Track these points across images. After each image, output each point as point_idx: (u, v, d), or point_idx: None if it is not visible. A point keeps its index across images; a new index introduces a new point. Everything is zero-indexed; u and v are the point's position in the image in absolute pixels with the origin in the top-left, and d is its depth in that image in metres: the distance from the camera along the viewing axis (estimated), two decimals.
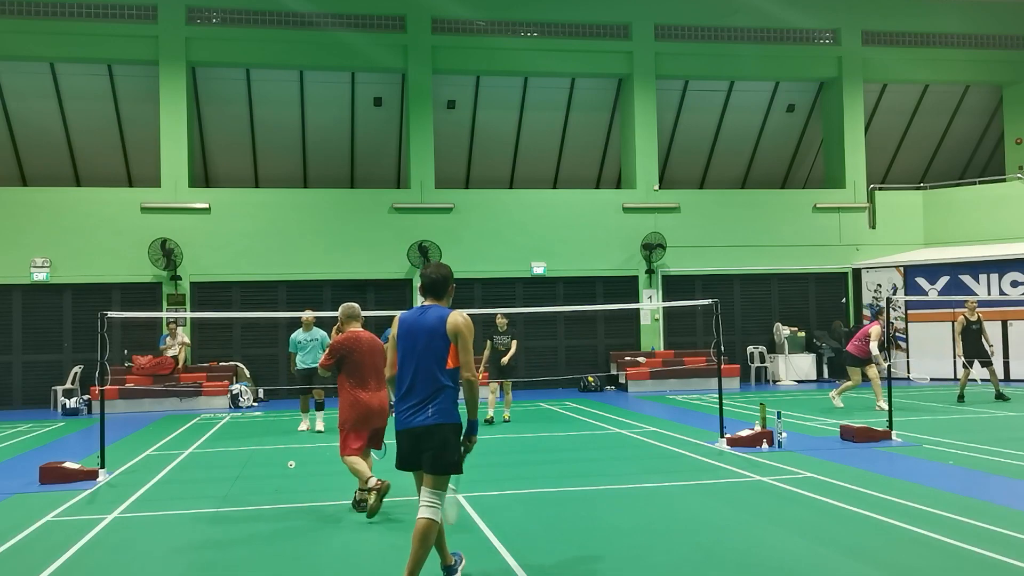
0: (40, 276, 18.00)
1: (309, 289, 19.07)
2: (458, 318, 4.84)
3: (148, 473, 9.24)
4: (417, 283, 19.17)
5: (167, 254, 17.90)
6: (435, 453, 4.72)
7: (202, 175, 20.89)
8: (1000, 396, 14.79)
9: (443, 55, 19.94)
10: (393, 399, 4.97)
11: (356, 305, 7.77)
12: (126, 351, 17.94)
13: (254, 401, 17.53)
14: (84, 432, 13.36)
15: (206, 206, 18.75)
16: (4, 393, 17.99)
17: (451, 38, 20.02)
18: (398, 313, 5.08)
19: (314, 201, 19.44)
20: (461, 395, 4.90)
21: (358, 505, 7.08)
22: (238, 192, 19.43)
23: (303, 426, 12.98)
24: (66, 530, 6.63)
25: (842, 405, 14.35)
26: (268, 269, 18.91)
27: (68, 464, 8.86)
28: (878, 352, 13.71)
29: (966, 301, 14.98)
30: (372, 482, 6.82)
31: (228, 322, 18.67)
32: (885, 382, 15.29)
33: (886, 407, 13.68)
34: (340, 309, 7.66)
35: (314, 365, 12.65)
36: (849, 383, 14.00)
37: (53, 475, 8.64)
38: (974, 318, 14.78)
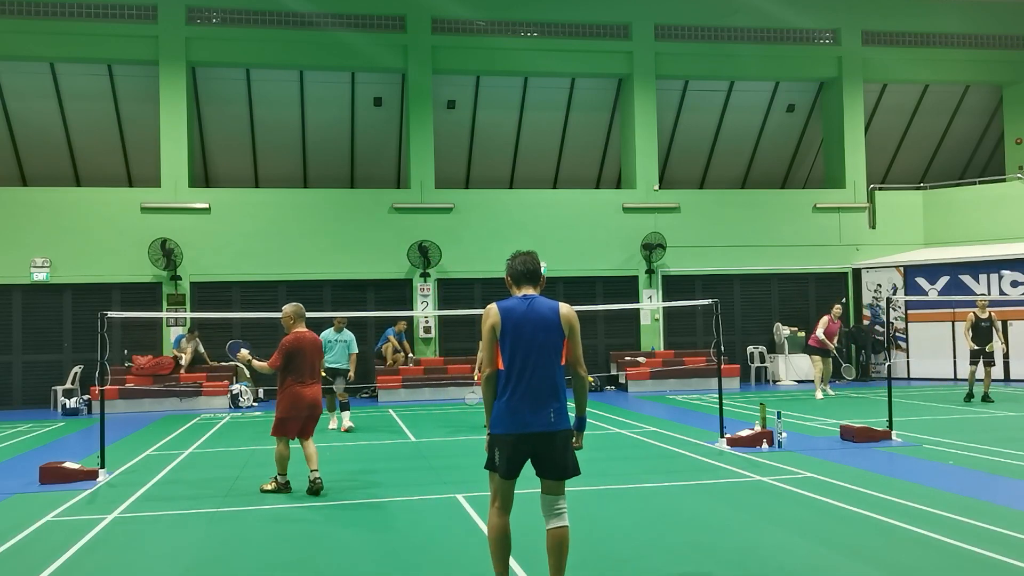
0: (40, 276, 18.00)
1: (309, 289, 19.05)
2: (569, 309, 4.56)
3: (148, 473, 9.24)
4: (418, 283, 19.18)
5: (167, 254, 17.90)
6: (558, 460, 4.44)
7: (202, 175, 20.89)
8: (986, 398, 14.73)
9: (443, 55, 19.94)
10: (498, 398, 4.50)
11: (300, 306, 8.27)
12: (126, 351, 17.94)
13: (254, 401, 17.52)
14: (84, 432, 13.36)
15: (206, 206, 18.74)
16: (4, 393, 17.99)
17: (451, 38, 20.02)
18: (492, 303, 4.55)
19: (314, 201, 19.44)
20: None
21: (312, 486, 7.85)
22: (238, 192, 19.44)
23: (332, 424, 13.04)
24: (66, 530, 6.63)
25: (833, 394, 15.96)
26: (268, 269, 18.90)
27: (68, 464, 8.86)
28: (822, 336, 16.03)
29: (976, 300, 15.05)
30: (282, 479, 7.99)
31: (228, 322, 18.66)
32: (884, 382, 15.43)
33: (819, 397, 15.70)
34: (291, 308, 8.15)
35: (337, 365, 12.93)
36: (816, 374, 16.15)
37: (53, 475, 8.64)
38: (985, 316, 14.78)
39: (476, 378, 13.28)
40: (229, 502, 7.61)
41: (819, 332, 16.05)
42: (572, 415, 4.69)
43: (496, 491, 4.50)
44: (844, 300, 21.22)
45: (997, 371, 18.32)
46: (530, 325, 4.44)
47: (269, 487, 7.96)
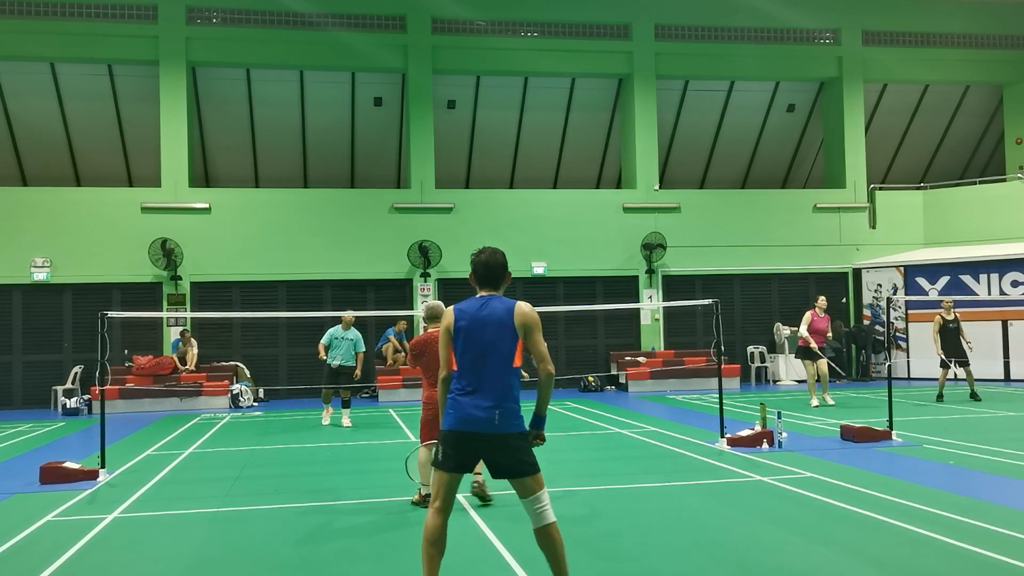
0: (40, 276, 18.00)
1: (309, 289, 19.06)
2: (526, 308, 4.42)
3: (148, 473, 9.24)
4: (417, 283, 19.17)
5: (167, 254, 17.91)
6: (504, 462, 4.34)
7: (202, 175, 20.89)
8: (974, 396, 14.79)
9: (443, 55, 19.94)
10: (449, 395, 4.49)
11: (439, 304, 7.45)
12: (126, 351, 17.94)
13: (254, 401, 17.53)
14: (84, 432, 13.36)
15: (206, 206, 18.75)
16: (4, 393, 17.98)
17: (451, 38, 20.02)
18: (451, 305, 4.58)
19: (314, 201, 19.44)
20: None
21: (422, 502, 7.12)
22: (238, 192, 19.44)
23: (325, 420, 13.25)
24: (66, 530, 6.63)
25: (832, 402, 14.56)
26: (268, 269, 18.91)
27: (68, 464, 8.86)
28: (806, 334, 14.39)
29: (942, 301, 15.06)
30: (425, 490, 6.96)
31: (228, 322, 18.66)
32: (884, 382, 15.38)
33: (814, 404, 14.43)
34: (423, 308, 7.46)
35: (343, 363, 13.17)
36: (808, 378, 14.74)
37: (53, 475, 8.64)
38: (950, 317, 14.81)
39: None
40: (229, 502, 7.61)
41: (803, 330, 14.39)
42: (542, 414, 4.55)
43: (437, 488, 4.38)
44: (845, 300, 21.24)
45: (997, 371, 18.40)
46: (480, 325, 4.39)
47: (415, 499, 7.22)
